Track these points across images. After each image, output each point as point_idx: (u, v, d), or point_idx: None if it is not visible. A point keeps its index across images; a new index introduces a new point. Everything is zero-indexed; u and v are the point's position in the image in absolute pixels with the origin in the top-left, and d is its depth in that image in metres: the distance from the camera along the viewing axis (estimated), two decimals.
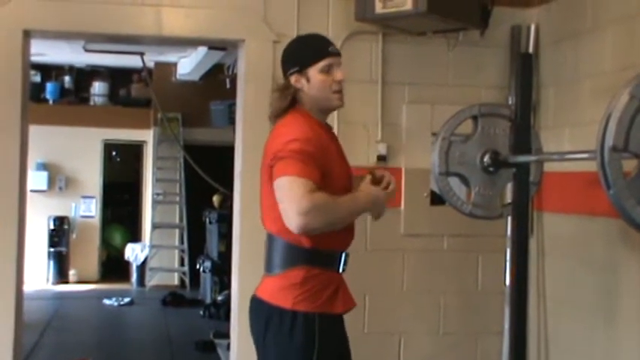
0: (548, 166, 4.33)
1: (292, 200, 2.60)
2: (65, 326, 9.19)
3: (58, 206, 12.34)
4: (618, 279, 3.91)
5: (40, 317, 9.35)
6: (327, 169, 2.73)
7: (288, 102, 2.85)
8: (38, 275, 12.01)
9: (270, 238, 2.86)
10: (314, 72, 2.82)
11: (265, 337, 2.82)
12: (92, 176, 12.65)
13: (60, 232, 12.27)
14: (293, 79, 2.85)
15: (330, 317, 2.81)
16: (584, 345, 4.18)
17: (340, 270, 2.86)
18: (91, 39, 7.05)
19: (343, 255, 2.87)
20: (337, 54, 2.88)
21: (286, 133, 2.75)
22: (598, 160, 2.59)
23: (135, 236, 13.08)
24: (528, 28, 4.70)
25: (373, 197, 2.82)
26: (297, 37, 3.07)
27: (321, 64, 2.82)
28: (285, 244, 2.79)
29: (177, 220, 11.98)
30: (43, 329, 8.72)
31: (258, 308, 2.86)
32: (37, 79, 12.12)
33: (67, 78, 12.52)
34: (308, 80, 2.83)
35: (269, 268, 2.87)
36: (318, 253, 2.78)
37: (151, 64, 11.33)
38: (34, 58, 5.89)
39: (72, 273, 12.34)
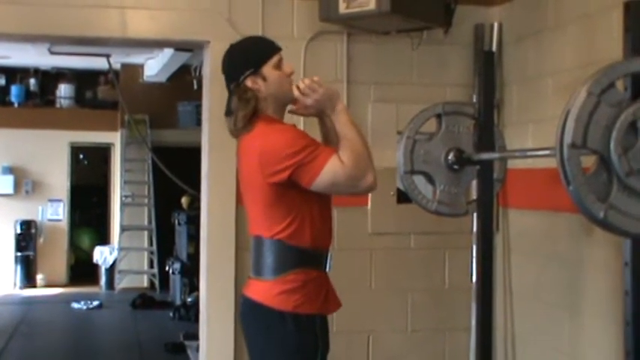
0: (512, 163, 4.37)
1: (345, 177, 2.74)
2: (33, 331, 9.13)
3: (25, 210, 12.27)
4: (583, 273, 3.96)
5: (7, 322, 9.29)
6: None
7: (252, 106, 2.83)
8: (5, 280, 11.94)
9: (260, 243, 2.86)
10: (269, 69, 2.85)
11: (267, 342, 2.84)
12: (59, 179, 12.57)
13: (27, 236, 12.19)
14: (249, 82, 2.84)
15: (325, 318, 2.90)
16: (550, 339, 4.23)
17: (327, 269, 2.91)
18: (56, 42, 7.00)
19: (329, 254, 2.92)
20: (281, 49, 2.94)
21: (278, 142, 2.76)
22: (557, 157, 2.62)
23: (103, 239, 13.02)
24: (491, 27, 4.73)
25: (335, 96, 2.89)
26: (235, 44, 2.99)
27: (274, 59, 2.87)
28: (282, 246, 2.81)
29: (146, 223, 11.94)
30: (11, 334, 8.66)
31: (256, 313, 2.87)
32: (2, 82, 12.05)
33: (32, 80, 12.43)
34: (264, 79, 2.84)
35: (260, 272, 2.87)
36: (312, 254, 2.83)
37: (117, 66, 11.27)
38: None
39: (40, 277, 12.27)
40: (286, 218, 2.80)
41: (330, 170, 2.72)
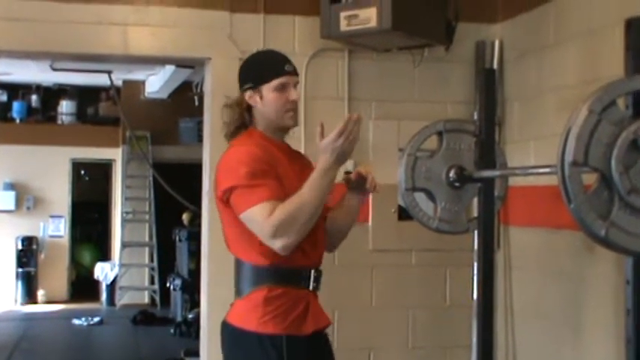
0: (514, 181, 4.36)
1: (259, 231, 2.63)
2: (34, 348, 9.10)
3: (26, 226, 12.26)
4: (584, 291, 3.95)
5: (7, 339, 9.26)
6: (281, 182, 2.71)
7: (239, 118, 2.83)
8: (6, 296, 11.90)
9: (236, 262, 2.83)
10: (267, 90, 2.77)
11: None
12: (61, 195, 12.57)
13: (28, 252, 12.18)
14: (247, 95, 2.81)
15: (299, 339, 2.73)
16: (552, 356, 4.21)
17: (310, 287, 2.79)
18: (58, 58, 7.02)
19: (312, 271, 2.80)
20: (293, 73, 2.82)
21: (231, 159, 2.72)
22: (559, 175, 2.61)
23: (104, 255, 13.01)
24: (492, 44, 4.75)
25: (325, 151, 2.62)
26: (256, 52, 3.05)
27: (275, 82, 2.77)
28: (248, 265, 2.76)
29: (147, 239, 11.92)
30: (11, 351, 8.63)
31: (225, 332, 2.82)
32: (4, 98, 12.07)
33: (34, 97, 12.44)
34: (261, 98, 2.79)
35: (237, 291, 2.83)
36: (280, 271, 2.72)
37: (119, 83, 11.30)
38: (1, 78, 5.89)
39: (41, 293, 12.24)
40: (244, 236, 2.72)
41: (255, 213, 2.61)
